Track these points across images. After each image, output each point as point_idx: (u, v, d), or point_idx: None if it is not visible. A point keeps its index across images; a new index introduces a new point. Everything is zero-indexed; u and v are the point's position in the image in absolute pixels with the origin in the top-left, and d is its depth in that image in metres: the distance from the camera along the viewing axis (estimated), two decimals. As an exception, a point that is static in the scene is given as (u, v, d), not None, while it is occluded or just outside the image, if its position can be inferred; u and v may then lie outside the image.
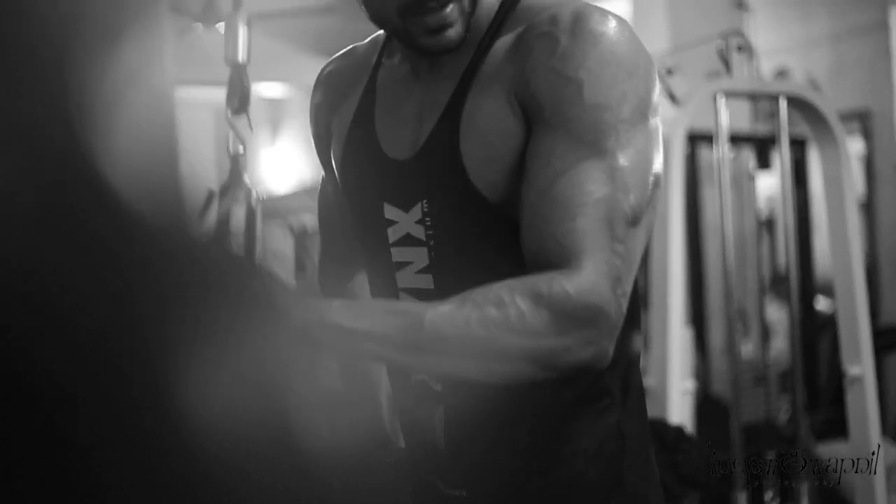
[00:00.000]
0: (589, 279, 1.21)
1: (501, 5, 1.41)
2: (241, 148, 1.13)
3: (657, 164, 1.32)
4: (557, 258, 1.23)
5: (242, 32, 1.12)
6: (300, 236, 3.51)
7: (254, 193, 1.12)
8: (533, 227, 1.27)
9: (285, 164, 10.70)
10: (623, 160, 1.26)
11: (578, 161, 1.25)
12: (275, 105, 11.08)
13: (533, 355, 1.21)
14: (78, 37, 0.76)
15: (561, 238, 1.23)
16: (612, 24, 1.31)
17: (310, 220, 2.00)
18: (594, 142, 1.26)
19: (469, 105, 1.36)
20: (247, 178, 1.12)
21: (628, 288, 1.27)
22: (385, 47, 1.54)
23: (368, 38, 1.61)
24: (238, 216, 1.13)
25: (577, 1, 1.35)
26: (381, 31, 1.54)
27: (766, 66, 4.64)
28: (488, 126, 1.34)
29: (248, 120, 1.13)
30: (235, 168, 1.14)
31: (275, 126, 11.18)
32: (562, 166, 1.26)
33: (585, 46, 1.28)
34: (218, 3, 6.15)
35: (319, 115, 1.64)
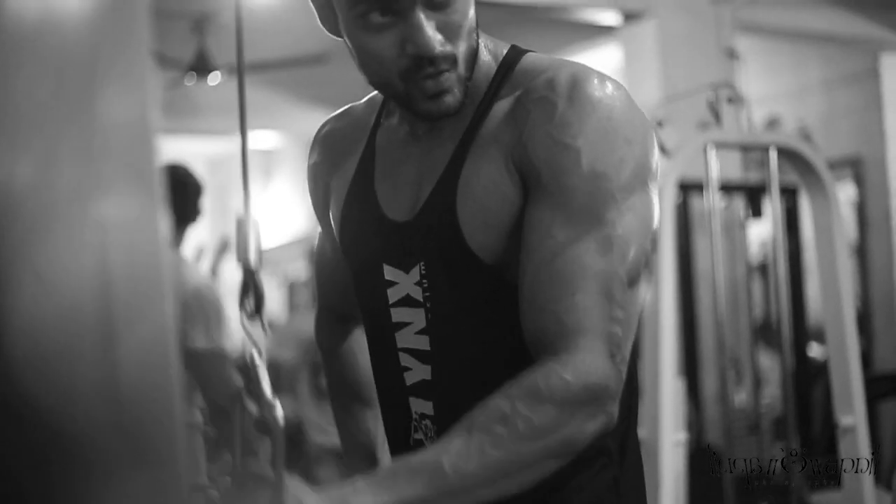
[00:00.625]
0: (586, 361, 1.22)
1: (500, 67, 1.42)
2: (256, 355, 1.11)
3: (654, 226, 1.33)
4: (556, 335, 1.24)
5: (254, 233, 1.11)
6: (291, 287, 3.50)
7: (276, 407, 1.09)
8: (533, 302, 1.27)
9: (278, 213, 10.71)
10: (621, 228, 1.27)
11: (578, 234, 1.26)
12: (267, 155, 11.11)
13: (552, 451, 1.22)
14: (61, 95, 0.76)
15: (562, 315, 1.24)
16: (609, 90, 1.31)
17: (301, 271, 2.01)
18: (593, 212, 1.27)
19: (466, 169, 1.37)
20: (266, 387, 1.09)
21: (627, 352, 1.28)
22: (383, 108, 1.54)
23: (365, 98, 1.61)
24: (258, 434, 1.10)
25: (574, 64, 1.36)
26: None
27: (759, 114, 4.67)
28: (485, 190, 1.35)
29: (263, 324, 1.13)
30: (251, 376, 1.11)
31: (267, 175, 11.19)
32: (562, 239, 1.26)
33: (583, 113, 1.29)
34: (209, 55, 6.18)
35: (317, 175, 1.65)
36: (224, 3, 6.11)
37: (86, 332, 0.71)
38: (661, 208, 3.35)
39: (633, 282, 1.28)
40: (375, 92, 1.53)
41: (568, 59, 1.42)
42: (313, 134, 1.69)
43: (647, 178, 1.31)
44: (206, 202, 3.65)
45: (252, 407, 1.10)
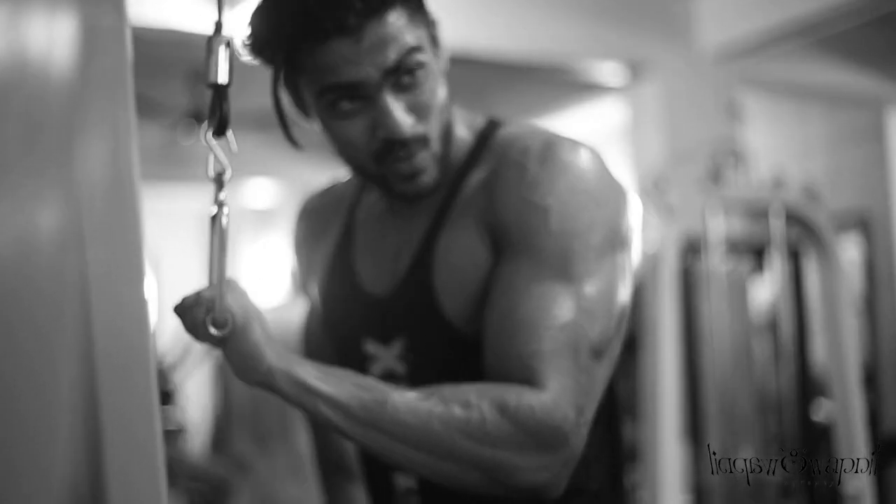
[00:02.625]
0: (555, 401, 1.20)
1: (477, 140, 1.42)
2: (221, 168, 1.14)
3: (623, 296, 1.31)
4: (522, 379, 1.22)
5: (223, 52, 1.13)
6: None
7: (225, 212, 1.13)
8: (497, 348, 1.26)
9: (271, 269, 10.70)
10: (590, 288, 1.25)
11: (544, 284, 1.25)
12: (261, 212, 11.11)
13: (484, 465, 1.20)
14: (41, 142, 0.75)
15: (527, 359, 1.22)
16: (581, 154, 1.31)
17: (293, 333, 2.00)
18: (561, 267, 1.26)
19: (442, 240, 1.37)
20: (223, 197, 1.13)
21: (589, 417, 1.26)
22: (364, 185, 1.56)
23: (348, 177, 1.63)
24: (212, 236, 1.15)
25: (550, 132, 1.36)
26: None
27: (764, 166, 4.66)
28: (459, 259, 1.35)
29: (229, 142, 1.14)
30: (216, 189, 1.15)
31: (262, 230, 11.19)
32: (526, 289, 1.25)
33: (554, 174, 1.29)
34: (200, 107, 6.20)
35: (300, 251, 1.68)
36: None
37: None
38: (662, 267, 3.33)
39: (599, 353, 1.26)
40: None
41: (548, 126, 1.42)
42: (310, 187, 1.72)
43: (617, 245, 1.30)
44: (201, 256, 3.66)
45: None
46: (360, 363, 1.46)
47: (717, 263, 3.62)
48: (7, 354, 0.70)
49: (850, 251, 6.22)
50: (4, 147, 0.73)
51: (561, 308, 1.24)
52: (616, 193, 1.32)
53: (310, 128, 1.42)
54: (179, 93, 6.12)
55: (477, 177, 1.39)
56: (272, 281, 10.38)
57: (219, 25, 1.15)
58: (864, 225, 6.30)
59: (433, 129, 1.35)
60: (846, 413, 3.50)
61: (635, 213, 1.36)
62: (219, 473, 3.35)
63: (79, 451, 0.73)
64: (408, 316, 1.40)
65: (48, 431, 0.71)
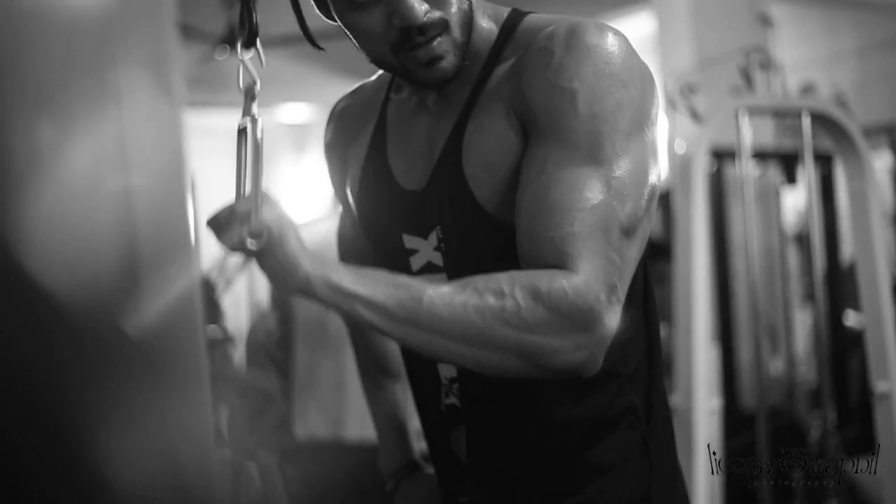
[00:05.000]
0: (587, 282, 1.23)
1: (501, 30, 1.44)
2: (251, 81, 1.16)
3: (653, 176, 1.33)
4: (555, 262, 1.25)
5: None
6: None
7: (260, 124, 1.15)
8: (530, 233, 1.29)
9: (310, 187, 10.71)
10: (619, 170, 1.28)
11: (575, 168, 1.27)
12: (300, 129, 11.11)
13: (523, 350, 1.23)
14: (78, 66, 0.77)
15: (559, 243, 1.25)
16: (607, 37, 1.32)
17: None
18: (590, 150, 1.28)
19: (470, 128, 1.39)
20: (255, 110, 1.15)
21: (622, 296, 1.28)
22: (393, 83, 1.58)
23: (376, 74, 1.64)
24: (246, 147, 1.17)
25: (575, 18, 1.37)
26: None
27: (792, 81, 4.63)
28: (488, 145, 1.37)
29: (259, 54, 1.16)
30: (247, 102, 1.17)
31: (300, 149, 11.19)
32: (557, 173, 1.28)
33: (579, 58, 1.30)
34: (237, 30, 6.17)
35: (333, 153, 1.69)
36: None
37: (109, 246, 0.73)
38: (693, 174, 3.34)
39: (629, 231, 1.28)
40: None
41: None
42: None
43: (645, 125, 1.32)
44: (231, 176, 3.62)
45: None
46: (400, 258, 1.49)
47: (748, 169, 3.62)
48: (56, 279, 0.73)
49: (879, 162, 6.18)
50: (48, 71, 0.75)
51: (591, 190, 1.26)
52: (641, 74, 1.34)
53: (336, 32, 1.43)
54: (215, 18, 6.09)
55: (504, 66, 1.40)
56: (309, 199, 10.41)
57: None
58: (893, 136, 6.26)
59: (451, 15, 1.36)
60: (877, 320, 3.51)
61: (659, 96, 1.38)
62: (267, 388, 3.38)
63: (130, 377, 0.76)
64: (442, 206, 1.42)
65: (101, 352, 0.74)
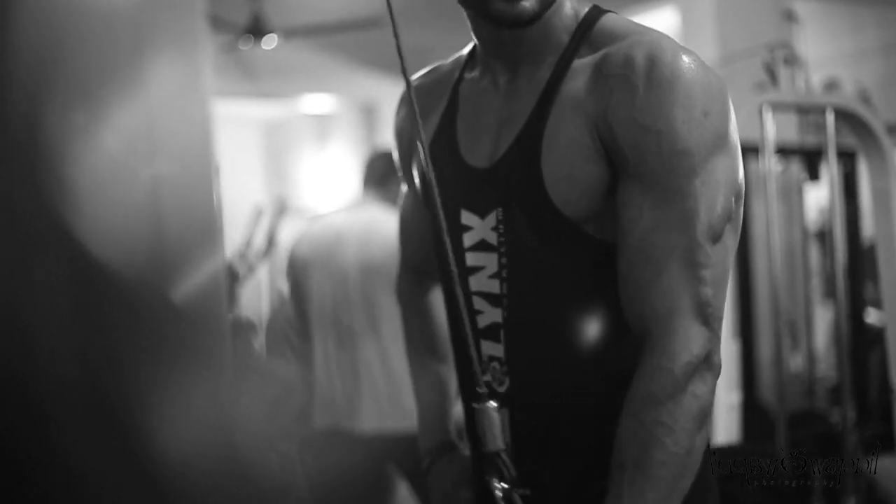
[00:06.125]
0: (682, 340, 1.32)
1: (580, 24, 1.46)
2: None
3: (738, 180, 1.38)
4: (651, 320, 1.33)
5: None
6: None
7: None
8: (628, 285, 1.36)
9: (331, 178, 10.76)
10: (703, 196, 1.33)
11: (663, 214, 1.33)
12: (321, 120, 11.14)
13: (697, 427, 1.31)
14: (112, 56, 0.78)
15: (653, 300, 1.33)
16: (682, 64, 1.35)
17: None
18: (676, 189, 1.33)
19: (550, 124, 1.42)
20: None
21: (721, 302, 1.36)
22: (467, 63, 1.61)
23: (452, 57, 1.68)
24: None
25: (649, 35, 1.40)
26: (463, 51, 1.64)
27: (816, 78, 4.62)
28: (569, 150, 1.40)
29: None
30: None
31: (322, 140, 11.23)
32: (649, 222, 1.34)
33: (661, 95, 1.33)
34: (264, 17, 6.21)
35: (404, 129, 1.74)
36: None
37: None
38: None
39: (716, 238, 1.35)
40: (461, 51, 1.63)
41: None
42: (368, 98, 1.76)
43: (727, 139, 1.36)
44: (262, 165, 3.66)
45: None
46: (455, 234, 1.52)
47: (771, 165, 3.62)
48: (84, 261, 0.74)
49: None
50: (84, 62, 0.77)
51: (677, 234, 1.33)
52: (720, 93, 1.37)
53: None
54: (239, 8, 6.12)
55: (582, 64, 1.43)
56: (331, 190, 10.47)
57: None
58: (917, 134, 6.24)
59: None
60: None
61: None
62: (287, 376, 3.41)
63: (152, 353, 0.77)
64: (508, 188, 1.45)
65: (127, 325, 0.75)
